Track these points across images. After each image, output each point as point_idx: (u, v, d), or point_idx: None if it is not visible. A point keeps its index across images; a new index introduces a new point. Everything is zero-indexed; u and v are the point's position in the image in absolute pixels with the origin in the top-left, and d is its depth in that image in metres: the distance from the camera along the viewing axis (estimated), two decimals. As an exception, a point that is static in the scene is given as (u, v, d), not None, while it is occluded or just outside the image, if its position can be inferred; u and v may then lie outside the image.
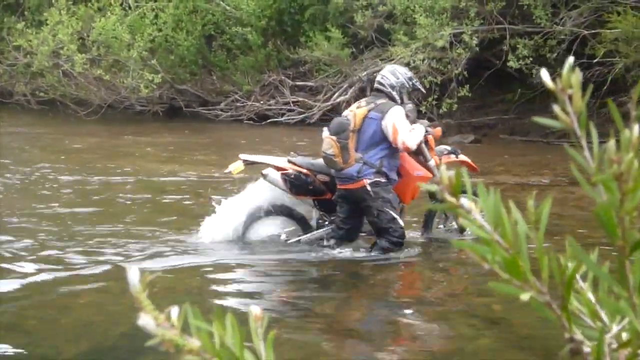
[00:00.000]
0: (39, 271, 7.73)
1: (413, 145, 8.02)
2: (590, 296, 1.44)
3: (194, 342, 1.31)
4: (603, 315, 1.39)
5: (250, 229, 8.40)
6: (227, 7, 19.64)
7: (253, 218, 8.41)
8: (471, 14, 16.90)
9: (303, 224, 8.45)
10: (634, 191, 1.12)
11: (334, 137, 8.07)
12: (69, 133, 17.99)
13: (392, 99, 8.29)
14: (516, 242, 1.26)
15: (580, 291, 1.45)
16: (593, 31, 15.51)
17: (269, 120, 19.16)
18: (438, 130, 8.67)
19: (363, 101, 8.42)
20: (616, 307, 1.32)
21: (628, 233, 1.18)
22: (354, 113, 8.20)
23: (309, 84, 19.52)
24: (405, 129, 7.98)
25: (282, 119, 19.21)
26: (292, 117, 19.23)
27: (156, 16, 19.62)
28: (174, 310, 1.30)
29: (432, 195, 8.58)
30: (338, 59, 18.67)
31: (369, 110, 8.14)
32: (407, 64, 17.05)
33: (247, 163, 8.45)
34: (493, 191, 1.26)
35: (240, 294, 7.29)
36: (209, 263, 7.96)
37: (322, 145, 8.13)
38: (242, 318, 1.35)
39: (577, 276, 1.40)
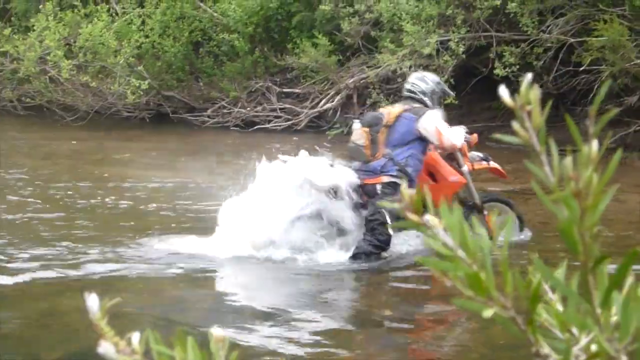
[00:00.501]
0: (20, 275, 7.71)
1: (459, 144, 8.17)
2: (559, 307, 1.43)
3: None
4: (572, 326, 1.39)
5: (287, 232, 8.34)
6: (214, 14, 19.62)
7: (289, 221, 8.34)
8: (458, 21, 16.91)
9: (338, 227, 8.44)
10: (593, 208, 1.12)
11: (366, 129, 8.23)
12: (54, 139, 17.95)
13: (425, 104, 8.44)
14: (479, 258, 1.26)
15: (550, 302, 1.45)
16: (579, 39, 15.54)
17: (255, 127, 19.15)
18: (474, 137, 8.81)
19: (397, 104, 8.58)
20: (582, 322, 1.32)
21: (589, 249, 1.18)
22: (389, 111, 8.36)
23: (296, 90, 19.50)
24: (448, 129, 8.13)
25: (268, 125, 19.20)
26: (279, 123, 19.22)
27: (143, 22, 19.59)
28: (135, 336, 1.28)
29: (460, 202, 8.64)
30: (325, 66, 18.66)
31: (404, 111, 8.30)
32: (394, 71, 17.08)
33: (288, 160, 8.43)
34: (455, 208, 1.25)
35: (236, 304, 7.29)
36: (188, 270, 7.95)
37: (352, 136, 8.29)
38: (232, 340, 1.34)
39: (546, 287, 1.39)
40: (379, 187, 8.04)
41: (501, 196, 9.50)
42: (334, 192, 8.13)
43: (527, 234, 9.07)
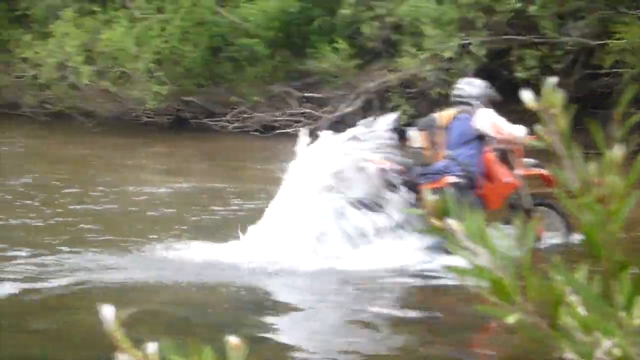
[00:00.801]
0: (40, 279, 7.73)
1: (521, 134, 8.16)
2: (582, 310, 1.42)
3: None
4: (595, 330, 1.38)
5: (339, 224, 8.33)
6: (234, 19, 19.63)
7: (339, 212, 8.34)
8: (479, 24, 16.87)
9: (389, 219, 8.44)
10: (617, 212, 1.11)
11: (423, 132, 8.29)
12: (74, 144, 18.02)
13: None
14: (502, 264, 1.25)
15: (572, 305, 1.43)
16: (599, 42, 15.48)
17: (275, 132, 19.13)
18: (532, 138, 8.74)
19: (447, 109, 8.64)
20: (605, 326, 1.31)
21: (612, 253, 1.17)
22: (441, 114, 8.41)
23: (316, 95, 19.48)
24: (506, 123, 8.19)
25: (288, 130, 19.19)
26: (299, 128, 19.18)
27: (163, 28, 19.60)
28: (151, 346, 1.28)
29: (511, 206, 8.65)
30: (345, 70, 18.65)
31: (458, 112, 8.36)
32: (415, 75, 17.07)
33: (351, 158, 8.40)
34: (478, 213, 1.25)
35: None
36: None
37: (410, 142, 8.33)
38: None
39: (568, 289, 1.38)
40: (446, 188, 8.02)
41: (550, 200, 9.34)
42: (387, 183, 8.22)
43: (575, 237, 8.82)
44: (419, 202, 8.23)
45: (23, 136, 19.02)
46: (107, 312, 1.28)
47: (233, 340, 1.32)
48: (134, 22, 19.85)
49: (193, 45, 19.54)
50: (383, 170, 8.30)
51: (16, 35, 21.52)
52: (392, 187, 8.33)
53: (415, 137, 8.38)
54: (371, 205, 8.36)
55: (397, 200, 8.34)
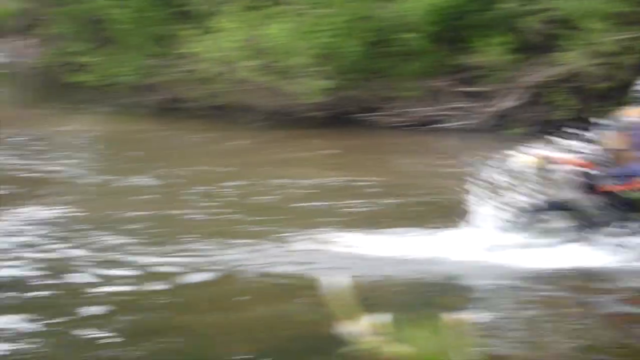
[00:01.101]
0: (201, 269, 7.97)
1: None
2: None
3: (400, 348, 1.32)
4: None
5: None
6: (394, 14, 19.61)
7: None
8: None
9: (586, 219, 8.43)
10: None
11: (623, 133, 8.22)
12: (233, 138, 18.41)
13: None
14: None
15: None
16: None
17: (434, 126, 19.06)
18: None
19: (630, 108, 8.52)
20: None
21: None
22: (626, 114, 8.33)
23: (474, 89, 19.32)
24: None
25: (447, 124, 19.09)
26: (457, 122, 19.07)
27: (324, 23, 19.71)
28: (377, 318, 1.31)
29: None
30: (503, 64, 18.43)
31: None
32: (577, 70, 16.73)
33: (540, 157, 8.47)
34: None
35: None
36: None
37: (606, 142, 8.26)
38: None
39: None
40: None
41: None
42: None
43: None
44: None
45: (185, 130, 19.53)
46: (329, 282, 1.32)
47: (453, 316, 1.34)
48: (297, 17, 20.05)
49: (354, 40, 19.58)
50: (575, 170, 8.22)
51: (178, 30, 22.02)
52: (583, 187, 8.27)
53: (614, 138, 8.22)
54: (569, 205, 8.32)
55: (588, 201, 8.28)
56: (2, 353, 6.57)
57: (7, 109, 22.66)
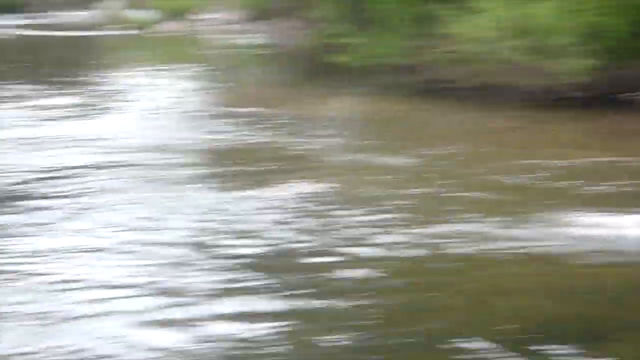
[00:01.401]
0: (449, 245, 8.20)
1: None
2: None
3: None
4: None
5: None
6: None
7: None
8: None
9: None
10: None
11: None
12: (494, 118, 18.37)
13: None
14: None
15: None
16: None
17: None
18: None
19: None
20: None
21: None
22: None
23: None
24: None
25: None
26: None
27: (590, 1, 19.25)
28: None
29: None
30: None
31: None
32: None
33: None
34: None
35: None
36: None
37: None
38: None
39: None
40: None
41: None
42: None
43: None
44: None
45: (445, 110, 19.67)
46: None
47: None
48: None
49: (621, 18, 19.00)
50: None
51: (439, 10, 22.05)
52: None
53: None
54: None
55: None
56: (264, 332, 6.84)
57: (273, 90, 23.55)
